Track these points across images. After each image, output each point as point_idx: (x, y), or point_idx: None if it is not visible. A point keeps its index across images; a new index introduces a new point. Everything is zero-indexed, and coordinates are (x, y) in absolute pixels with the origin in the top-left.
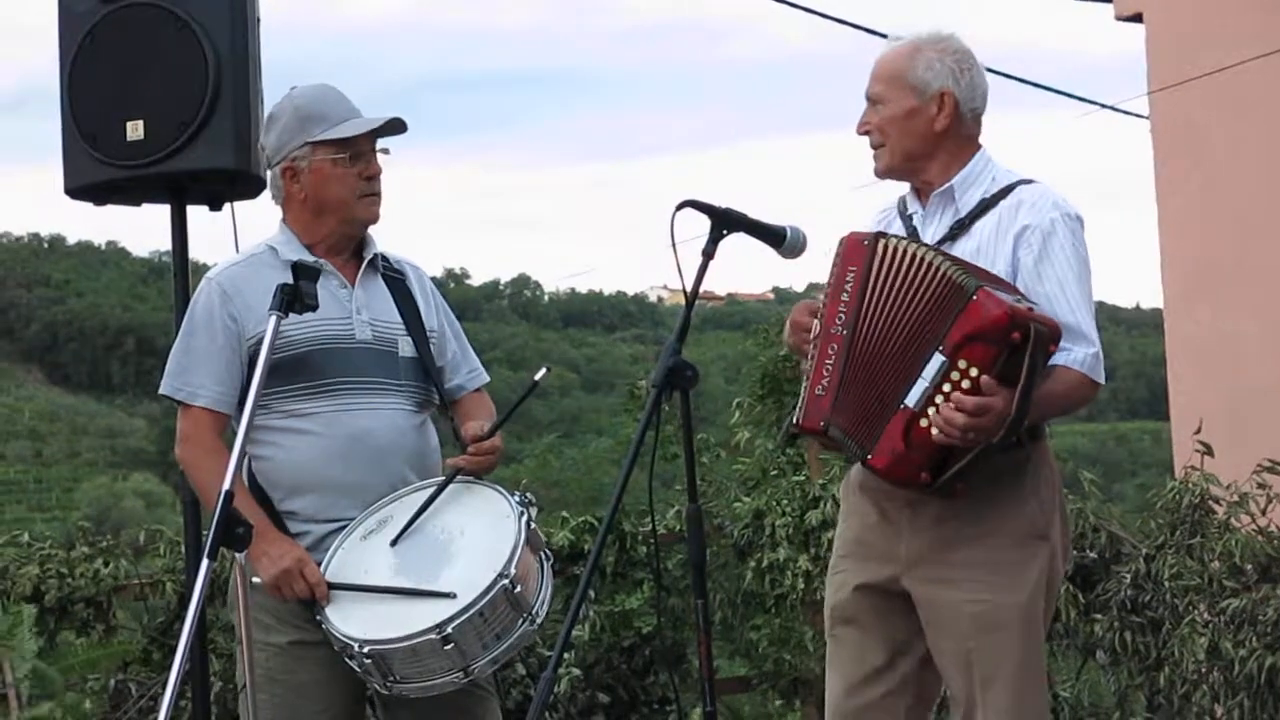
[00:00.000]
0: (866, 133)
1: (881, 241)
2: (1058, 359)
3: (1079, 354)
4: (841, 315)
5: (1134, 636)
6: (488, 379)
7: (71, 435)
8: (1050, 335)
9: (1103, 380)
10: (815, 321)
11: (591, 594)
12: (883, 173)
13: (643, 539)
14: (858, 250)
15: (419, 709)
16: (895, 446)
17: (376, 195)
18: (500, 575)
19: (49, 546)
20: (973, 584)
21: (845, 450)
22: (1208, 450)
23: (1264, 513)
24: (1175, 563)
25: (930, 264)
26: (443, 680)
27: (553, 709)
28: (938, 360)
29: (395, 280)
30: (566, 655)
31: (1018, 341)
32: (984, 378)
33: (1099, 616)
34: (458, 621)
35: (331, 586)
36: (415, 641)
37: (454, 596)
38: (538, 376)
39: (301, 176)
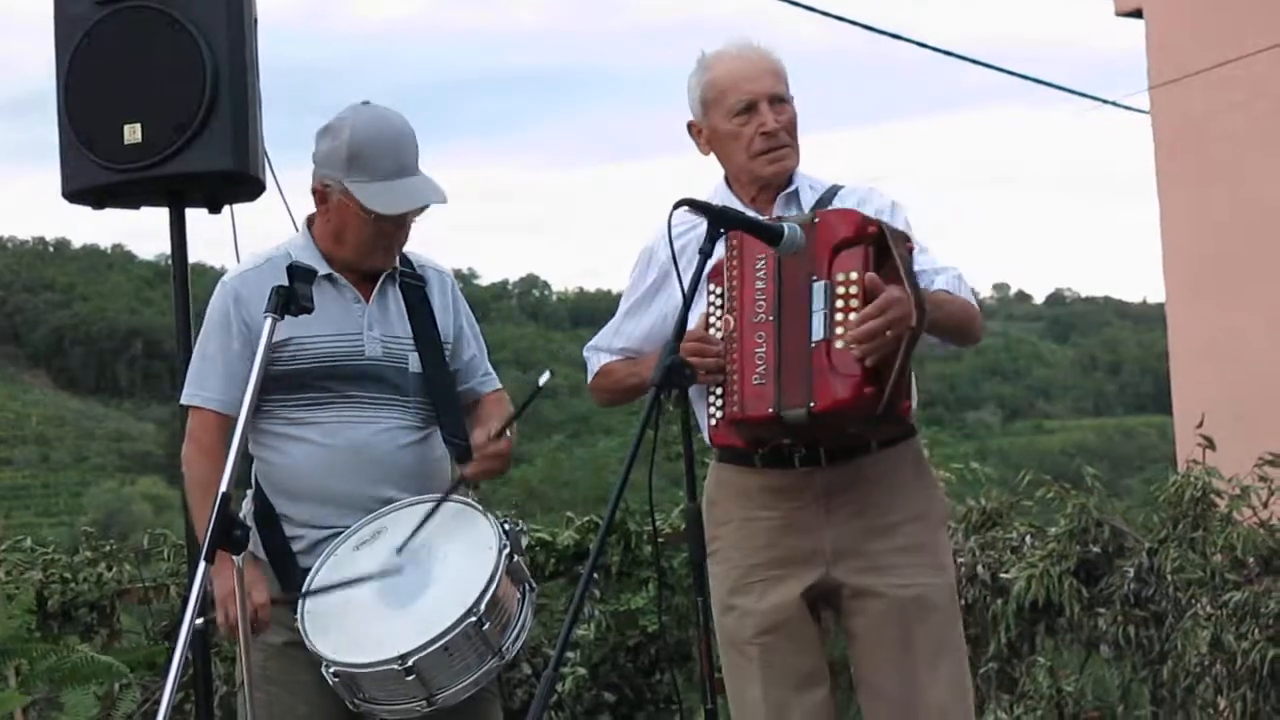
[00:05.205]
0: (774, 132)
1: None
2: (936, 283)
3: (948, 275)
4: (762, 303)
5: (1137, 630)
6: (499, 385)
7: (79, 439)
8: (900, 233)
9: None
10: (715, 328)
11: (597, 593)
12: (785, 174)
13: (647, 538)
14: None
15: None
16: (826, 381)
17: (394, 246)
18: (468, 612)
19: (53, 551)
20: (904, 569)
21: (784, 432)
22: (1209, 444)
23: (1265, 506)
24: (1178, 556)
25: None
26: (406, 706)
27: (558, 708)
28: (819, 286)
29: (414, 288)
30: (572, 655)
31: (875, 234)
32: (868, 275)
33: (1102, 610)
34: (420, 655)
35: (309, 593)
36: (376, 670)
37: (400, 572)
38: (541, 381)
39: (330, 201)
